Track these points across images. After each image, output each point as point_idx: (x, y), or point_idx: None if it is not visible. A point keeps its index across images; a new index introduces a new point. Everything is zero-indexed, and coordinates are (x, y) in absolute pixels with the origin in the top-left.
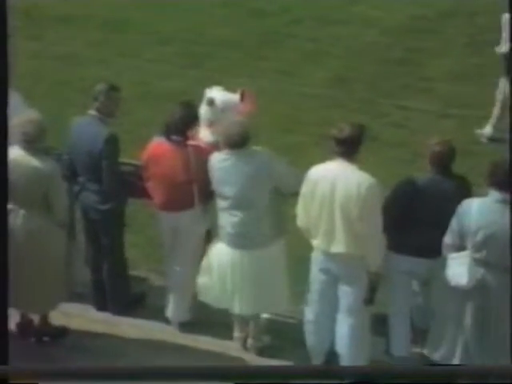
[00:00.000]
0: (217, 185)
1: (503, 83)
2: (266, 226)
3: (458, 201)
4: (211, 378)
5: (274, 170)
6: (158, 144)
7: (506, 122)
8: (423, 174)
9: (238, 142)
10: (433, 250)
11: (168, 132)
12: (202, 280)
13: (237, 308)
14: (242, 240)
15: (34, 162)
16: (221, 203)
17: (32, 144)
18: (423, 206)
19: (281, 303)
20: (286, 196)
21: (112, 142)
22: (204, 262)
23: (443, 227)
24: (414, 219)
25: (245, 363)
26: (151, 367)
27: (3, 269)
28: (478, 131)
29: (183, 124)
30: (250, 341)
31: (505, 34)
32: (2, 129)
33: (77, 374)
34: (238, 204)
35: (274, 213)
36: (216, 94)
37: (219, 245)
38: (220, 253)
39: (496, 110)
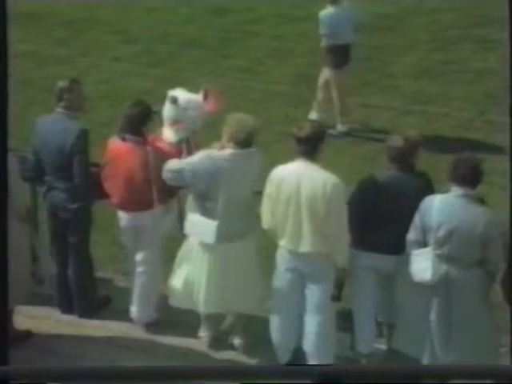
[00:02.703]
0: (217, 182)
1: (325, 73)
2: (249, 222)
3: (420, 197)
4: (211, 378)
5: (259, 170)
6: (115, 144)
7: (328, 107)
8: (385, 170)
9: (249, 141)
10: (396, 247)
11: (123, 132)
12: (175, 282)
13: (212, 305)
14: (229, 235)
15: None
16: (209, 202)
17: None
18: (386, 202)
19: (256, 297)
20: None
21: (83, 137)
22: (177, 264)
23: (405, 223)
24: (377, 216)
25: (212, 362)
26: (150, 367)
27: (3, 270)
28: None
29: (137, 123)
30: (234, 339)
31: (323, 30)
32: (2, 129)
33: (77, 375)
34: (236, 201)
35: (253, 208)
36: (179, 93)
37: (195, 244)
38: (204, 250)
39: (318, 96)
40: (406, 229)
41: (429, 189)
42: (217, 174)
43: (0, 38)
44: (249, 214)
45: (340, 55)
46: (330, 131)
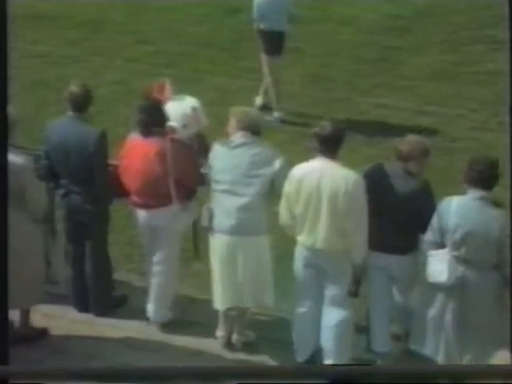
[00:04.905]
0: (222, 167)
1: (263, 58)
2: (261, 216)
3: (418, 203)
4: (203, 378)
5: (275, 162)
6: (133, 139)
7: (272, 94)
8: (390, 164)
9: (253, 128)
10: (400, 247)
11: (141, 127)
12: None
13: (238, 300)
14: (240, 227)
15: None
16: (221, 186)
17: None
18: (387, 197)
19: (272, 295)
20: (275, 193)
21: (103, 139)
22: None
23: (405, 225)
24: (377, 213)
25: (227, 362)
26: (150, 367)
27: (3, 269)
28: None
29: (154, 116)
30: (235, 336)
31: (253, 14)
32: (2, 129)
33: (77, 375)
34: (242, 186)
35: (266, 206)
36: (173, 111)
37: (217, 236)
38: (219, 244)
39: (265, 82)
40: (408, 230)
41: (428, 197)
42: (221, 158)
43: (0, 38)
44: (259, 207)
45: (272, 42)
46: (267, 117)
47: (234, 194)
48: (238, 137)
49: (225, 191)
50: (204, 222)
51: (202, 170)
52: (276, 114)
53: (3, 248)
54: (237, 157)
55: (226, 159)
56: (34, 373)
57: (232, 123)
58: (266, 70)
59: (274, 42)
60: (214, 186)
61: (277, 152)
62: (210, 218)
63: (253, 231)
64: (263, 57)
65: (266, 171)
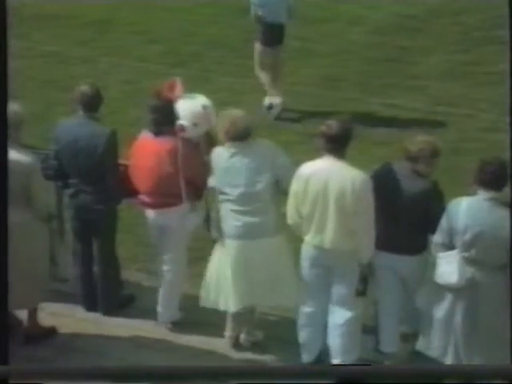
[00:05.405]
0: (223, 179)
1: (258, 48)
2: (270, 218)
3: (429, 203)
4: (210, 378)
5: (276, 162)
6: (144, 138)
7: (278, 86)
8: (399, 164)
9: (243, 135)
10: (407, 248)
11: (153, 125)
12: (206, 283)
13: (244, 301)
14: (249, 231)
15: (12, 153)
16: (226, 197)
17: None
18: (396, 197)
19: (292, 295)
20: (283, 192)
21: (114, 139)
22: (211, 266)
23: (414, 225)
24: (386, 212)
25: (235, 362)
26: (151, 367)
27: (3, 269)
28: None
29: (166, 115)
30: (243, 336)
31: (255, 1)
32: (2, 129)
33: (77, 375)
34: (246, 195)
35: (275, 206)
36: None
37: (227, 242)
38: (230, 249)
39: (265, 79)
40: (417, 231)
41: (437, 198)
42: (220, 169)
43: (0, 37)
44: (268, 210)
45: (271, 33)
46: (272, 114)
47: (239, 202)
48: (228, 146)
49: (229, 201)
50: (213, 234)
51: (209, 184)
52: (267, 101)
53: (3, 248)
54: (234, 166)
55: (224, 169)
56: (34, 373)
57: (220, 131)
58: (257, 61)
59: (274, 34)
60: (219, 196)
61: (274, 151)
62: (219, 226)
63: (262, 234)
64: (258, 47)
65: (266, 175)
